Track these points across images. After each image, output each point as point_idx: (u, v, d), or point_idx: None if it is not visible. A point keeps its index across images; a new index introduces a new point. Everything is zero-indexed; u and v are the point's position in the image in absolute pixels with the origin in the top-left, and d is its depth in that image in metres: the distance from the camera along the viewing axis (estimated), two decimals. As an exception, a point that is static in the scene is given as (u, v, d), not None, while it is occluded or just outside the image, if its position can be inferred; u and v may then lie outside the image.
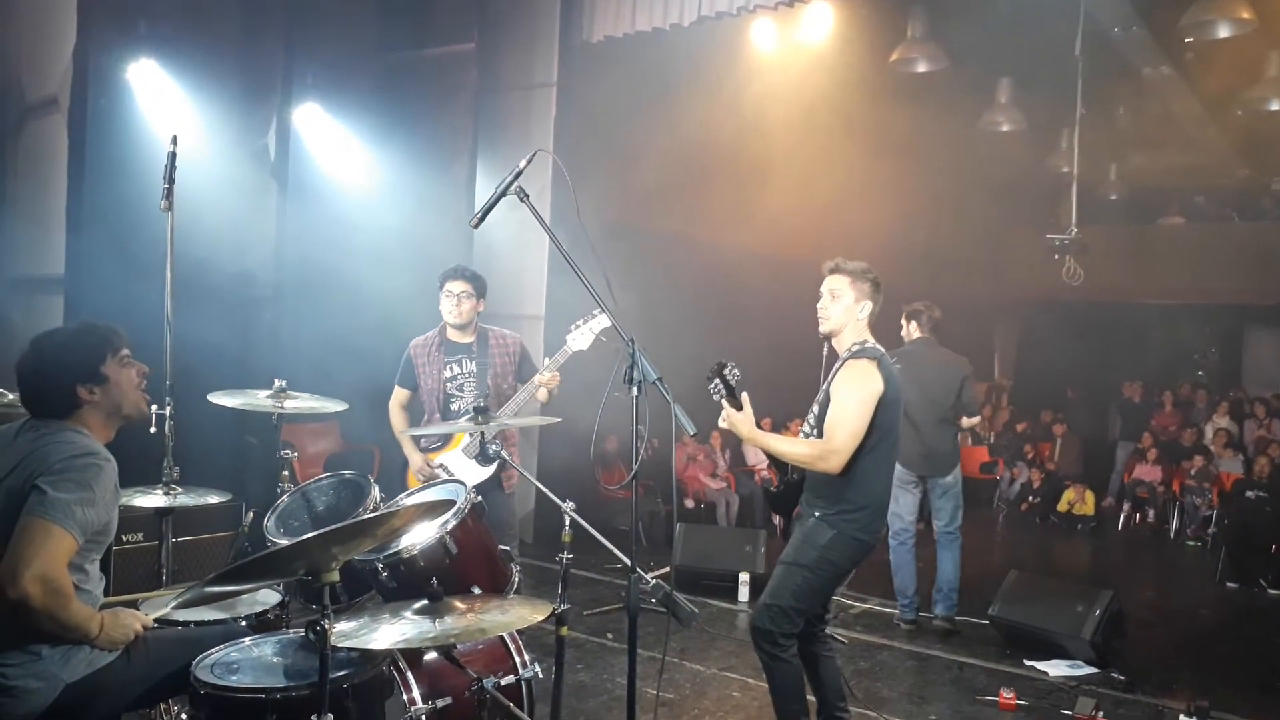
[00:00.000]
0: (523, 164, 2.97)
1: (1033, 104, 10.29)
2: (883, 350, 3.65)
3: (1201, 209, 14.55)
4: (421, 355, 4.70)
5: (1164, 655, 5.85)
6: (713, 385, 3.55)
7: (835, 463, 3.44)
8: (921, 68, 8.97)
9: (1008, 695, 4.75)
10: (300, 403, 3.71)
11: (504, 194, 2.96)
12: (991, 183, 11.89)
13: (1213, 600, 7.63)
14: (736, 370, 3.56)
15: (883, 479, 3.64)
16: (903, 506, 5.95)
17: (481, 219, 3.03)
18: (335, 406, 3.86)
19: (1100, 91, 9.63)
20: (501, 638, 3.08)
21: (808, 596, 3.57)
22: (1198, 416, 12.16)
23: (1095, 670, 5.24)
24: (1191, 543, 9.90)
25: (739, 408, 3.55)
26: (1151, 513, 10.71)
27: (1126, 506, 10.87)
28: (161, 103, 5.98)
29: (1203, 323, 15.26)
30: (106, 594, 2.69)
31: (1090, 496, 10.69)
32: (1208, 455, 10.56)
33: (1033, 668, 5.30)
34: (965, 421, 6.15)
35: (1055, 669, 5.25)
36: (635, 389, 2.81)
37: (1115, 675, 5.16)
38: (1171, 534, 10.30)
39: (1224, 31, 7.81)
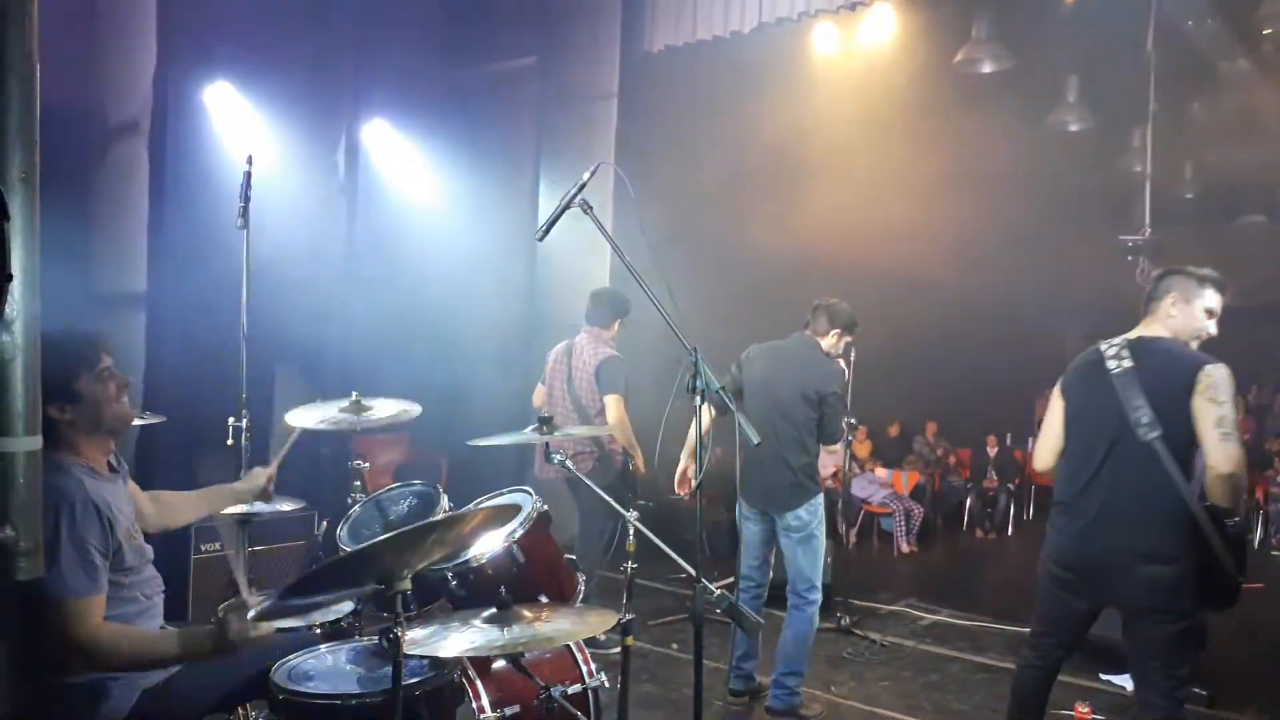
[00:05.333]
0: (586, 177, 2.98)
1: (1102, 102, 10.07)
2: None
3: (1283, 207, 14.04)
4: None
5: (1247, 670, 5.65)
6: None
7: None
8: (986, 68, 8.82)
9: (1083, 709, 4.62)
10: (376, 411, 3.76)
11: (568, 207, 2.98)
12: (1060, 182, 11.63)
13: (1301, 612, 7.35)
14: None
15: (1062, 475, 3.58)
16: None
17: (546, 232, 3.06)
18: (412, 409, 3.90)
19: (1173, 87, 9.37)
20: (568, 647, 3.11)
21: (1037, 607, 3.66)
22: (1276, 421, 11.75)
23: (1176, 684, 5.08)
24: (1277, 552, 9.56)
25: None
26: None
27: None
28: (236, 123, 6.18)
29: (1285, 324, 14.70)
30: (186, 604, 2.75)
31: (1168, 504, 10.37)
32: (1294, 462, 10.20)
33: (1109, 681, 5.16)
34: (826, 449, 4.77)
35: (1133, 683, 5.10)
36: (699, 399, 2.82)
37: (1196, 690, 4.99)
38: (1256, 543, 9.96)
39: (1305, 21, 7.55)
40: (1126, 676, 5.15)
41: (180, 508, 3.06)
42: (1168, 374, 3.24)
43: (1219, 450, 3.15)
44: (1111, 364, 3.35)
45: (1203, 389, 3.16)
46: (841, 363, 4.73)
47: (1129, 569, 3.26)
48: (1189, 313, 3.39)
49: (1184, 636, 3.30)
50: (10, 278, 1.29)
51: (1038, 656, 3.63)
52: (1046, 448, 3.58)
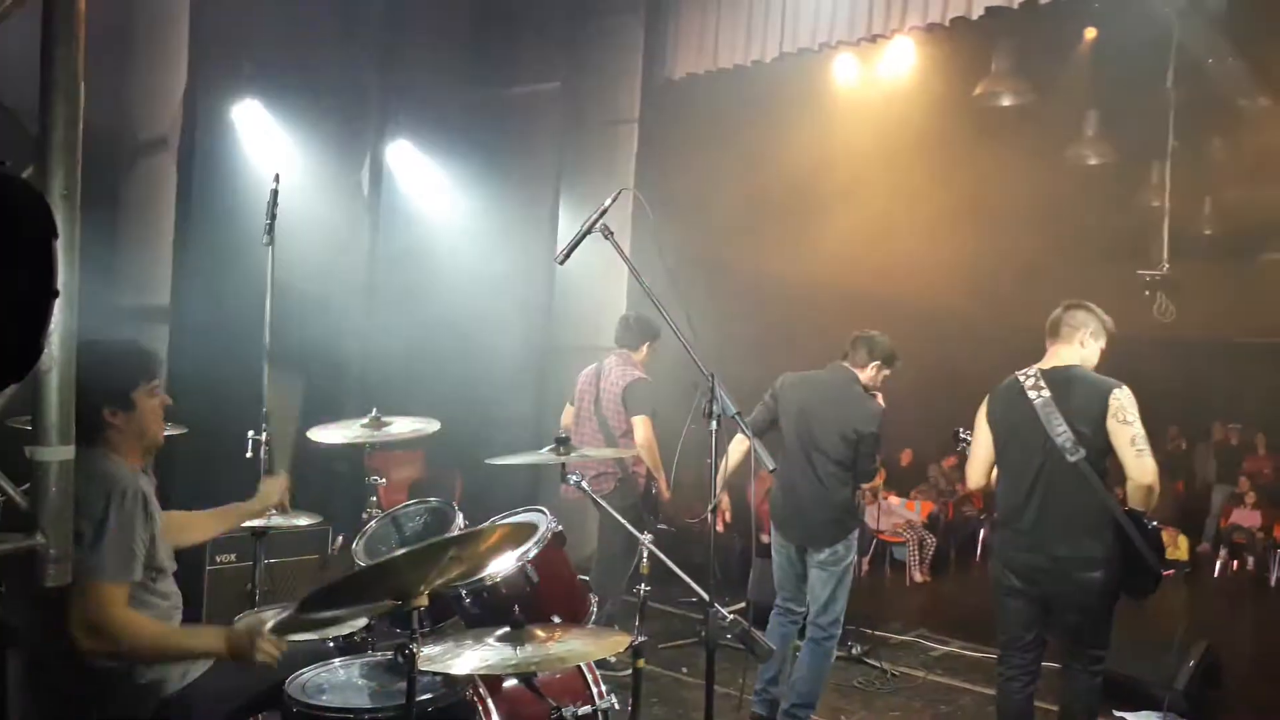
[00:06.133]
0: (608, 202, 3.03)
1: (1122, 137, 10.08)
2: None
3: (1302, 245, 13.97)
4: None
5: (1262, 710, 5.59)
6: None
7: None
8: (1006, 101, 8.87)
9: (1095, 745, 4.59)
10: (396, 428, 3.80)
11: (589, 231, 3.02)
12: (1078, 216, 11.64)
13: (1317, 654, 7.27)
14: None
15: (1001, 496, 3.88)
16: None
17: (567, 256, 3.10)
18: (429, 426, 3.94)
19: (1193, 124, 9.38)
20: (579, 668, 3.12)
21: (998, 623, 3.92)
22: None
23: (1189, 723, 5.04)
24: (1294, 592, 9.47)
25: None
26: (1250, 560, 10.26)
27: (1223, 553, 10.43)
28: (264, 141, 6.27)
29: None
30: (200, 618, 2.77)
31: (1184, 541, 10.28)
32: (1312, 501, 10.11)
33: (1122, 718, 5.12)
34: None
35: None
36: (714, 423, 2.84)
37: (1210, 730, 4.96)
38: (1272, 582, 9.85)
39: (1326, 61, 7.56)
40: (1140, 714, 5.12)
41: (192, 527, 3.09)
42: (1084, 400, 3.64)
43: (1136, 465, 3.58)
44: (1032, 394, 3.72)
45: (1114, 411, 3.59)
46: (880, 399, 4.64)
47: (1063, 574, 3.67)
48: (1095, 349, 3.84)
49: (1103, 625, 3.78)
50: (57, 294, 1.34)
51: (1009, 666, 3.89)
52: (976, 469, 3.98)
